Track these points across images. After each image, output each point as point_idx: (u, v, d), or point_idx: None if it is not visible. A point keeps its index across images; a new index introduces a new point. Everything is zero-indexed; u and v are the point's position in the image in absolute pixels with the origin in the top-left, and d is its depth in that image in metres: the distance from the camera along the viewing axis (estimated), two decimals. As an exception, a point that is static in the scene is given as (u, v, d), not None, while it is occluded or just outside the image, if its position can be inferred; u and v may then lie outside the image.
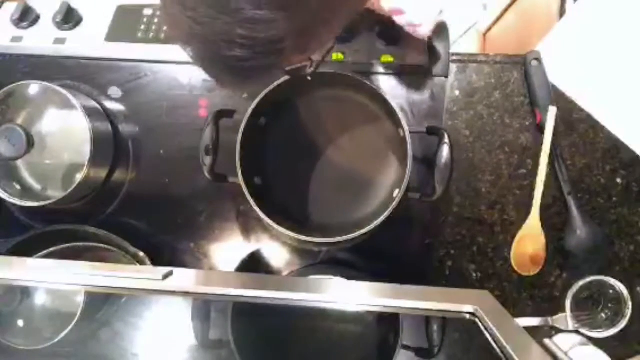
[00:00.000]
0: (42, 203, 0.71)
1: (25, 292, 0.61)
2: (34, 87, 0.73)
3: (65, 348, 0.54)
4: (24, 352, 0.55)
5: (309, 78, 0.59)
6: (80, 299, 0.62)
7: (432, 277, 0.77)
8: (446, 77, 0.77)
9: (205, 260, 0.79)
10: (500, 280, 0.77)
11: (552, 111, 0.74)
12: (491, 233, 0.77)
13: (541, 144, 0.75)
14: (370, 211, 0.72)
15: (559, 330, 0.75)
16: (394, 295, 0.56)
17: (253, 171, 0.72)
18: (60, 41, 0.79)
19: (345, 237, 0.66)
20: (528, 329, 0.54)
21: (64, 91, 0.70)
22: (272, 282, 0.66)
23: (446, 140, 0.67)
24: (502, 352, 0.46)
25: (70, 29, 0.79)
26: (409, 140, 0.66)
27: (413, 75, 0.76)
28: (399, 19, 0.68)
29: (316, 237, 0.67)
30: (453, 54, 0.78)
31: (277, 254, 0.79)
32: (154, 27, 0.78)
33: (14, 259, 0.66)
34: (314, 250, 0.78)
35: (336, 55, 0.76)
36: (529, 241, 0.76)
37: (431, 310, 0.56)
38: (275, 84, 0.67)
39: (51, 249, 0.75)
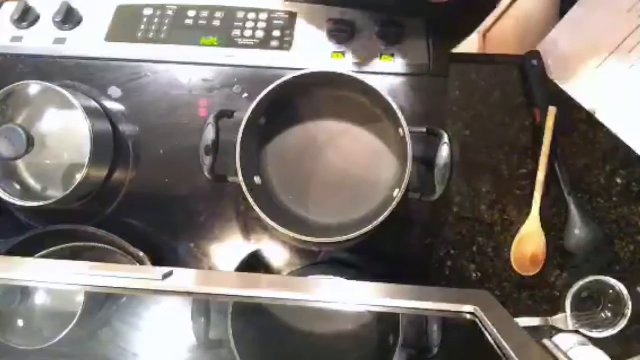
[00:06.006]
0: (42, 203, 0.71)
1: (25, 292, 0.61)
2: (34, 87, 0.73)
3: (65, 348, 0.54)
4: (24, 352, 0.54)
5: None
6: (80, 299, 0.62)
7: (432, 277, 0.77)
8: (446, 77, 0.77)
9: (205, 260, 0.79)
10: (500, 280, 0.77)
11: (552, 111, 0.74)
12: (491, 233, 0.77)
13: (541, 144, 0.75)
14: (370, 211, 0.72)
15: (559, 330, 0.75)
16: (394, 295, 0.56)
17: (253, 171, 0.72)
18: (60, 41, 0.79)
19: (345, 237, 0.66)
20: (528, 329, 0.54)
21: (64, 91, 0.70)
22: (272, 282, 0.66)
23: (446, 140, 0.67)
24: (502, 352, 0.46)
25: (70, 29, 0.79)
26: (409, 140, 0.66)
27: (413, 75, 0.76)
28: None
29: (316, 237, 0.67)
30: (453, 54, 0.78)
31: (277, 254, 0.79)
32: (154, 27, 0.78)
33: (14, 259, 0.66)
34: (314, 250, 0.78)
35: (336, 55, 0.76)
36: (529, 241, 0.76)
37: (431, 310, 0.56)
38: (276, 83, 0.67)
39: (51, 249, 0.75)
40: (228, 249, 0.79)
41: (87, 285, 0.58)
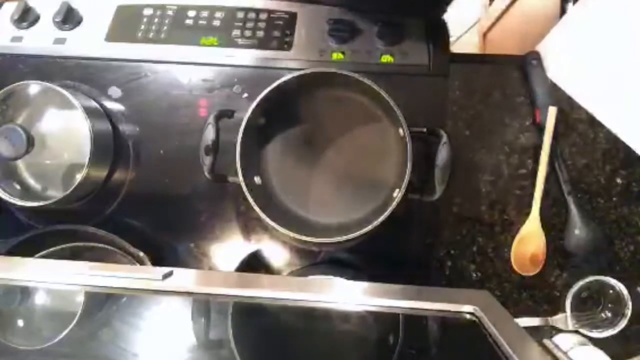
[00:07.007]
0: (42, 203, 0.71)
1: (25, 292, 0.61)
2: (34, 87, 0.73)
3: (65, 348, 0.54)
4: (24, 352, 0.54)
5: None
6: (80, 299, 0.62)
7: (432, 277, 0.77)
8: (446, 77, 0.77)
9: (205, 260, 0.79)
10: (500, 280, 0.77)
11: (552, 111, 0.74)
12: (491, 233, 0.77)
13: (541, 144, 0.75)
14: (370, 211, 0.72)
15: (559, 330, 0.75)
16: (393, 295, 0.56)
17: (253, 171, 0.72)
18: (60, 41, 0.79)
19: (345, 237, 0.66)
20: (528, 329, 0.54)
21: (64, 91, 0.70)
22: (272, 282, 0.66)
23: (446, 140, 0.67)
24: (502, 352, 0.46)
25: (70, 29, 0.79)
26: (409, 140, 0.66)
27: (413, 75, 0.76)
28: None
29: (316, 237, 0.67)
30: (453, 54, 0.78)
31: (277, 254, 0.79)
32: (154, 27, 0.78)
33: (14, 259, 0.66)
34: (314, 250, 0.78)
35: (336, 55, 0.76)
36: (529, 241, 0.76)
37: (431, 310, 0.56)
38: (276, 83, 0.67)
39: (51, 249, 0.75)
40: (228, 249, 0.79)
41: (87, 285, 0.58)
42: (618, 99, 0.76)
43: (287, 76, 0.68)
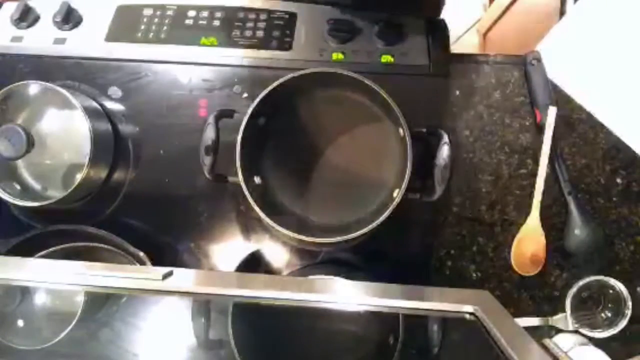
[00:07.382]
0: (42, 203, 0.71)
1: (25, 292, 0.61)
2: (34, 87, 0.73)
3: (65, 348, 0.54)
4: (24, 352, 0.54)
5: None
6: (80, 299, 0.62)
7: (432, 277, 0.77)
8: (446, 77, 0.77)
9: (205, 260, 0.79)
10: (500, 280, 0.77)
11: (552, 111, 0.74)
12: (491, 233, 0.77)
13: (541, 144, 0.75)
14: (370, 211, 0.72)
15: (559, 330, 0.75)
16: (394, 295, 0.56)
17: (253, 171, 0.72)
18: (60, 41, 0.79)
19: (345, 237, 0.66)
20: (528, 329, 0.54)
21: (64, 91, 0.70)
22: (272, 282, 0.66)
23: (446, 140, 0.67)
24: (502, 352, 0.46)
25: (70, 29, 0.79)
26: (409, 140, 0.66)
27: (413, 75, 0.76)
28: None
29: (316, 237, 0.67)
30: (453, 54, 0.78)
31: (277, 254, 0.79)
32: (154, 27, 0.78)
33: (14, 259, 0.66)
34: (314, 250, 0.78)
35: (336, 55, 0.76)
36: (529, 241, 0.76)
37: (431, 310, 0.56)
38: (276, 83, 0.67)
39: (51, 249, 0.75)
40: (228, 249, 0.79)
41: (87, 285, 0.58)
42: (618, 99, 0.76)
43: (287, 76, 0.68)
